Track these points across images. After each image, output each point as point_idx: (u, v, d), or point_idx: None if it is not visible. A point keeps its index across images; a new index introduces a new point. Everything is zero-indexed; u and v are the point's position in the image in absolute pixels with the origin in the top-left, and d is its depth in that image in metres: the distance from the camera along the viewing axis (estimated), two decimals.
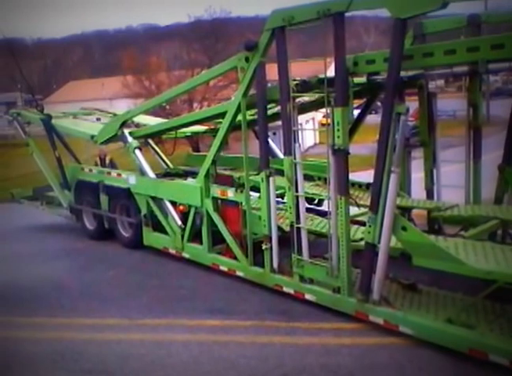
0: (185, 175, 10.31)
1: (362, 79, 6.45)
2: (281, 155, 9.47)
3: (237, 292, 7.26)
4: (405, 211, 7.50)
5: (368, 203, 7.08)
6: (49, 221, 12.49)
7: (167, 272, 8.44)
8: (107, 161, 11.40)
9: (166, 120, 11.27)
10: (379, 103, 7.97)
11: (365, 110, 8.67)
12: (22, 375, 5.56)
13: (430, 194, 8.04)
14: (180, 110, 23.62)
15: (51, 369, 5.60)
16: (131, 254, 9.51)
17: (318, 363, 5.25)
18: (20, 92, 54.39)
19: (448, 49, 5.13)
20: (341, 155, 5.65)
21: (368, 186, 8.60)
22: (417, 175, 8.40)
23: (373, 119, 9.72)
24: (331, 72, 5.66)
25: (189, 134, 11.91)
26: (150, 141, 12.01)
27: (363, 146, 14.86)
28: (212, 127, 10.89)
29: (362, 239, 6.12)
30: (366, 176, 8.73)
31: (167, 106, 20.92)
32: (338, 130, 5.58)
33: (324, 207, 8.64)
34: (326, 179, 7.47)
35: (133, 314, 6.79)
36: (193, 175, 9.52)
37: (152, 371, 5.39)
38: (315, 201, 9.34)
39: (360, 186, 8.83)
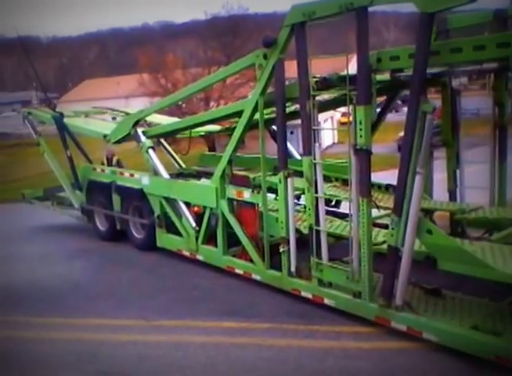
0: (198, 175, 10.18)
1: (384, 76, 6.26)
2: (297, 155, 9.36)
3: (253, 294, 7.14)
4: (427, 213, 7.30)
5: (388, 205, 6.93)
6: (61, 221, 12.43)
7: (181, 273, 8.34)
8: (114, 162, 11.09)
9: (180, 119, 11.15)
10: (399, 102, 7.78)
11: (386, 109, 8.46)
12: None
13: (452, 196, 7.82)
14: (196, 108, 23.51)
15: (66, 370, 5.57)
16: (145, 255, 9.42)
17: (337, 367, 5.16)
18: (36, 91, 54.92)
19: (478, 45, 4.91)
20: (363, 155, 5.48)
21: (387, 187, 8.42)
22: (438, 176, 8.19)
23: (394, 117, 9.55)
24: (352, 69, 5.49)
25: (202, 133, 11.77)
26: (163, 140, 11.87)
27: (383, 145, 14.63)
28: (227, 126, 10.73)
29: (383, 242, 5.95)
30: (386, 176, 8.55)
31: (183, 105, 20.81)
32: (361, 129, 5.41)
33: (342, 209, 8.46)
34: (344, 180, 7.32)
35: (149, 315, 6.72)
36: (207, 175, 9.40)
37: (169, 373, 5.34)
38: (333, 203, 9.15)
39: (379, 187, 8.63)
